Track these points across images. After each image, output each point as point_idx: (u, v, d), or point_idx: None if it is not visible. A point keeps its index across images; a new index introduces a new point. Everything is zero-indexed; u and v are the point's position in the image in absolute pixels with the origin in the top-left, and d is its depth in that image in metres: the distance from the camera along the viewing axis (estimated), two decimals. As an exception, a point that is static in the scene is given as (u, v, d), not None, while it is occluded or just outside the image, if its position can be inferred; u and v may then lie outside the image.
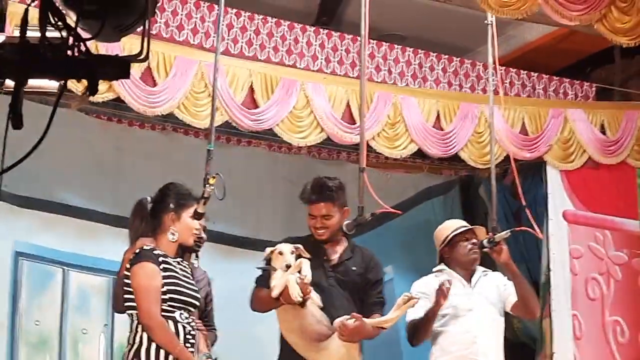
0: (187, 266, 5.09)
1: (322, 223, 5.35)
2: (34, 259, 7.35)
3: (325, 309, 5.20)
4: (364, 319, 5.13)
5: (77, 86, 5.29)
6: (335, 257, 5.40)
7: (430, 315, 5.55)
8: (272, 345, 5.41)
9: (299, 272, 5.06)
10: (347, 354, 5.15)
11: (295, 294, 4.96)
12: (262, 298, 5.21)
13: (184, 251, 5.22)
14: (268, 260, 5.18)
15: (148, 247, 4.89)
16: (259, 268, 5.29)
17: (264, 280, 5.24)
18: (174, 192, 5.06)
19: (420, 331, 5.60)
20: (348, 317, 5.18)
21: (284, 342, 5.24)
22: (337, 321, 5.17)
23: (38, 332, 7.28)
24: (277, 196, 8.13)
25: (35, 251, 7.35)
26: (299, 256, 5.16)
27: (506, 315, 5.87)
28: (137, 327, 4.80)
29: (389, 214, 6.15)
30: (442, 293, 5.49)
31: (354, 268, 5.39)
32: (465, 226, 5.87)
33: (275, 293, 5.02)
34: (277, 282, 5.04)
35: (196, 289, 5.04)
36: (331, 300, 5.24)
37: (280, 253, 5.12)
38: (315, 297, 5.15)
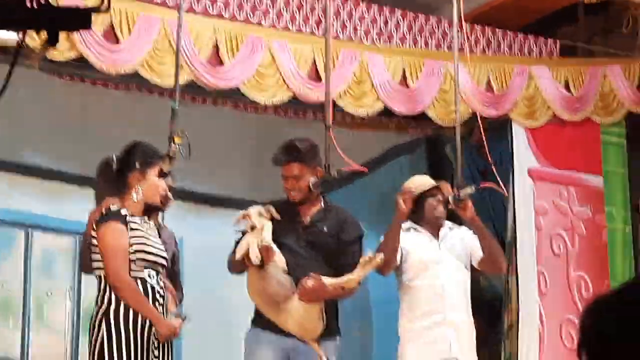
0: (153, 226, 5.08)
1: (293, 184, 5.37)
2: (-5, 223, 7.31)
3: (294, 271, 5.22)
4: (324, 279, 5.16)
5: (36, 42, 5.23)
6: (307, 219, 5.41)
7: (394, 227, 5.63)
8: (239, 301, 5.44)
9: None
10: (306, 315, 5.17)
11: (253, 256, 4.99)
12: (232, 261, 5.27)
13: (151, 211, 5.20)
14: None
15: (114, 207, 4.87)
16: (237, 232, 5.30)
17: (237, 244, 5.27)
18: (139, 150, 5.04)
19: (385, 247, 5.62)
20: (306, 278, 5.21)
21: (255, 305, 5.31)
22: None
23: (1, 295, 7.25)
24: (245, 155, 8.13)
25: (-3, 214, 7.31)
26: (271, 218, 5.17)
27: (472, 272, 5.92)
28: (105, 288, 4.79)
29: (355, 173, 6.17)
30: (403, 196, 5.55)
31: (325, 229, 5.40)
32: (431, 183, 5.90)
33: (237, 256, 5.06)
34: (239, 247, 5.07)
35: (163, 248, 5.05)
36: (301, 262, 5.26)
37: (247, 216, 5.14)
38: (279, 260, 5.16)
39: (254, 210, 5.16)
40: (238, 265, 5.20)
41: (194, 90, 7.28)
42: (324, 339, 5.24)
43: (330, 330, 5.30)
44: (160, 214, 5.63)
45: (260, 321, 5.28)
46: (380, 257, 5.22)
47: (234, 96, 7.53)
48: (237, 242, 5.28)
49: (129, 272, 4.79)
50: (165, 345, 4.88)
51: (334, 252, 5.40)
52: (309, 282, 5.13)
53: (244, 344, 5.37)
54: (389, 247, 5.63)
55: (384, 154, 8.76)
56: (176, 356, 6.60)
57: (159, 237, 5.10)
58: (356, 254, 5.43)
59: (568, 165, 7.81)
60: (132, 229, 4.85)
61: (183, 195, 7.34)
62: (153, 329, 4.78)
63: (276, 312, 5.16)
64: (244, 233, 5.23)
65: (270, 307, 5.16)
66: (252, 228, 5.10)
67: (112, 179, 5.08)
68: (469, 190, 5.66)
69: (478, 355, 5.92)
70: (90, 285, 5.72)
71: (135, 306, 4.75)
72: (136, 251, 4.82)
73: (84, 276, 6.95)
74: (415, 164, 8.77)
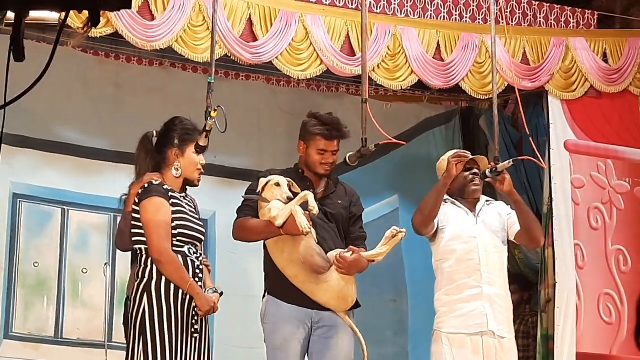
0: (191, 201, 5.08)
1: (331, 159, 5.37)
2: (32, 200, 7.33)
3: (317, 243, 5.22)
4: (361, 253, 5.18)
5: (76, 21, 5.24)
6: (320, 191, 5.40)
7: (440, 188, 5.56)
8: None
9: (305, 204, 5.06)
10: (346, 287, 5.17)
11: (304, 224, 4.95)
12: (254, 227, 5.19)
13: (184, 186, 5.20)
14: (256, 191, 5.16)
15: (157, 182, 4.87)
16: (248, 198, 5.25)
17: (250, 210, 5.22)
18: (179, 127, 5.02)
19: (425, 204, 5.60)
20: (342, 250, 5.20)
21: (275, 275, 5.21)
22: (332, 254, 5.18)
23: (36, 273, 7.29)
24: (278, 129, 8.11)
25: (33, 192, 7.33)
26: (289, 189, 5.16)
27: (508, 245, 5.88)
28: (146, 262, 4.79)
29: (390, 145, 6.14)
30: (457, 159, 5.51)
31: (339, 201, 5.40)
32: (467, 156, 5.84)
33: (280, 222, 5.00)
34: (281, 213, 5.02)
35: (201, 223, 5.05)
36: (321, 233, 5.24)
37: (277, 184, 5.11)
38: (313, 231, 5.15)
39: (283, 180, 5.14)
40: (268, 232, 5.11)
41: (227, 65, 7.29)
42: (349, 310, 5.28)
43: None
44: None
45: (280, 292, 5.22)
46: (404, 232, 5.21)
47: (267, 70, 7.53)
48: (244, 209, 5.25)
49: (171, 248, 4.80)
50: (204, 320, 4.89)
51: (346, 223, 5.41)
52: (350, 255, 5.13)
53: (264, 314, 5.27)
54: (429, 205, 5.58)
55: (418, 126, 8.75)
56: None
57: (197, 212, 5.10)
58: (363, 227, 5.51)
59: (605, 138, 7.74)
60: (173, 205, 4.86)
61: (215, 169, 7.34)
62: (193, 303, 4.79)
63: (315, 283, 5.11)
64: (248, 200, 5.20)
65: (310, 278, 5.10)
66: (289, 198, 5.07)
67: (152, 153, 5.08)
68: (507, 163, 5.60)
69: (515, 329, 5.90)
70: (125, 262, 5.74)
71: (176, 281, 4.75)
72: (177, 226, 4.82)
73: (119, 253, 6.96)
74: (450, 135, 8.77)
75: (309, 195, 5.07)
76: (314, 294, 5.15)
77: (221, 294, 5.03)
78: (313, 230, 5.12)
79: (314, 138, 5.38)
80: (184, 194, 5.01)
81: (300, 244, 5.08)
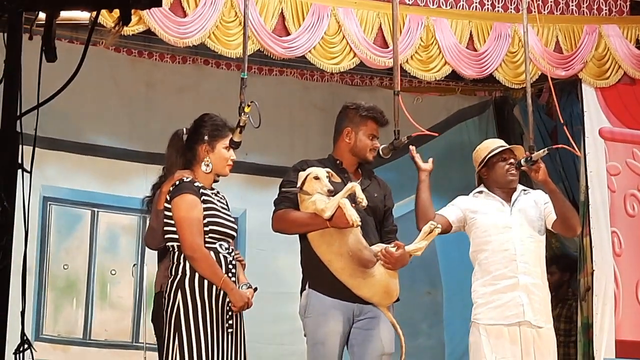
0: (223, 197, 5.09)
1: (377, 145, 5.34)
2: (62, 203, 7.36)
3: None
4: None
5: (107, 20, 5.28)
6: (358, 182, 5.37)
7: (419, 186, 5.65)
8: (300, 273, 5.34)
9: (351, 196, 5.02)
10: (392, 282, 5.14)
11: (355, 217, 4.88)
12: (298, 219, 5.11)
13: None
14: (295, 184, 5.13)
15: (188, 179, 4.89)
16: (287, 190, 5.19)
17: (290, 202, 5.15)
18: (208, 123, 5.04)
19: (417, 208, 5.62)
20: (386, 245, 5.16)
21: (317, 268, 5.12)
22: (376, 248, 5.15)
23: (65, 275, 7.32)
24: (310, 124, 8.10)
25: (63, 194, 7.35)
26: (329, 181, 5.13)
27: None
28: (179, 259, 4.81)
29: (423, 137, 6.12)
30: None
31: (376, 194, 5.34)
32: (503, 146, 5.83)
33: (328, 215, 4.93)
34: (329, 205, 4.96)
35: (233, 219, 5.05)
36: (363, 226, 5.18)
37: (317, 177, 5.06)
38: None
39: (322, 173, 5.10)
40: (313, 224, 5.03)
41: (261, 60, 7.32)
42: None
43: None
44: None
45: (322, 286, 5.15)
46: (439, 227, 5.20)
47: (299, 65, 7.54)
48: (283, 201, 5.17)
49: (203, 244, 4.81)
50: (238, 315, 4.90)
51: (381, 216, 5.37)
52: (396, 250, 5.11)
53: (306, 307, 5.18)
54: (418, 205, 5.60)
55: (451, 117, 8.72)
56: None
57: (228, 208, 5.11)
58: (394, 221, 5.47)
59: (640, 125, 7.71)
60: (204, 201, 4.87)
61: (246, 166, 7.32)
62: (227, 299, 4.81)
63: (362, 278, 5.04)
64: (286, 192, 5.15)
65: (357, 272, 5.03)
66: (330, 191, 5.02)
67: (182, 151, 5.10)
68: (542, 152, 5.58)
69: (553, 317, 5.87)
70: (153, 262, 5.74)
71: (210, 277, 4.76)
72: (209, 223, 4.84)
73: (147, 254, 6.98)
74: (483, 126, 8.74)
75: (356, 187, 4.99)
76: (360, 288, 5.08)
77: (255, 289, 5.03)
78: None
79: (365, 123, 5.33)
80: (215, 191, 5.03)
81: (348, 237, 5.01)
